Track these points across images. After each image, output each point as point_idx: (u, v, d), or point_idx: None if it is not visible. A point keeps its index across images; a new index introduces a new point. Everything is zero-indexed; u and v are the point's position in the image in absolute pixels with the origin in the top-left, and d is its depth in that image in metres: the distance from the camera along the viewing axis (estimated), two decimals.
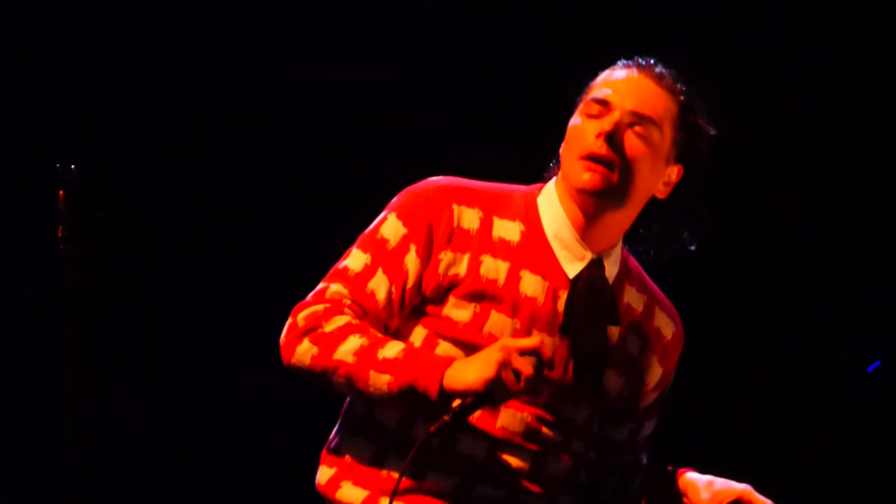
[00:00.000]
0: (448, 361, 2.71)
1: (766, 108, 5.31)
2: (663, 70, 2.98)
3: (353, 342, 2.77)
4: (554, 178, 2.97)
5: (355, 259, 2.88)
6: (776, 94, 5.34)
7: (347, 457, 2.91)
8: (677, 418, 3.42)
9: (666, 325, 3.06)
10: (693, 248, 3.00)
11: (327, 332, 2.79)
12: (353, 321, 2.80)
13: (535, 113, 5.04)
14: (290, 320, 2.86)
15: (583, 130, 2.90)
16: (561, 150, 2.96)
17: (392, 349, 2.75)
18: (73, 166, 3.15)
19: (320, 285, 2.90)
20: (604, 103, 2.91)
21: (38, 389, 5.10)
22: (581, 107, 2.95)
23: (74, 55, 5.26)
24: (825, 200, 5.35)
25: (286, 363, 2.85)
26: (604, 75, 2.99)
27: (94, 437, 4.98)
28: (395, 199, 2.94)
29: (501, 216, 2.90)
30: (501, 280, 2.86)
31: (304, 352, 2.81)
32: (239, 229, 5.45)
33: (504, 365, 2.65)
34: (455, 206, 2.89)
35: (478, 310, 2.84)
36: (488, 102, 5.41)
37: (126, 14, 5.30)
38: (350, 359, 2.76)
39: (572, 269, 2.90)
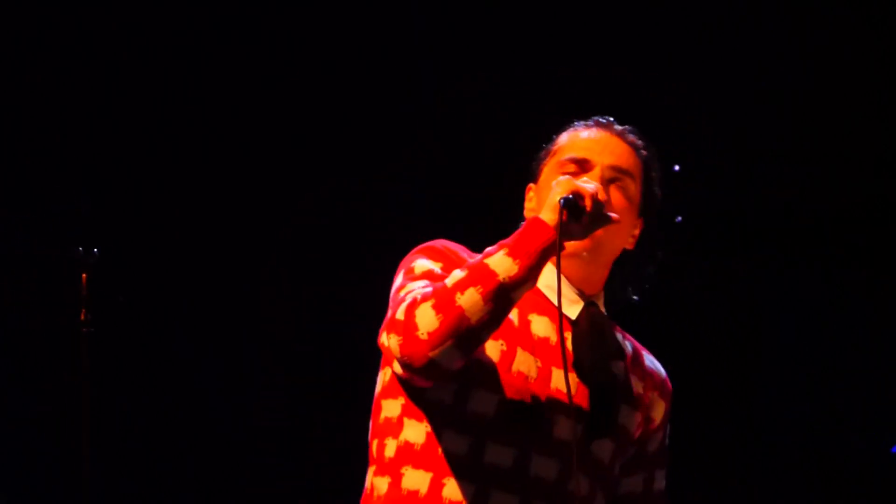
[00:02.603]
0: (535, 214, 2.78)
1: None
2: (623, 127, 3.03)
3: (454, 274, 2.71)
4: None
5: (410, 286, 2.81)
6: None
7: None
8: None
9: (655, 367, 3.09)
10: (637, 298, 3.04)
11: (425, 291, 2.71)
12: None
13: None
14: (396, 328, 2.70)
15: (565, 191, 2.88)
16: (532, 212, 2.98)
17: (485, 251, 2.73)
18: (95, 250, 3.14)
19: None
20: (581, 161, 2.94)
21: (58, 476, 5.10)
22: (552, 168, 2.97)
23: (96, 142, 5.31)
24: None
25: (426, 352, 2.66)
26: (567, 136, 3.01)
27: None
28: (408, 256, 2.91)
29: None
30: (516, 322, 2.87)
31: (427, 320, 2.66)
32: (257, 311, 5.49)
33: (575, 181, 2.75)
34: (465, 256, 2.90)
35: (504, 348, 2.84)
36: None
37: (148, 99, 5.36)
38: (462, 274, 2.68)
39: (572, 311, 2.92)
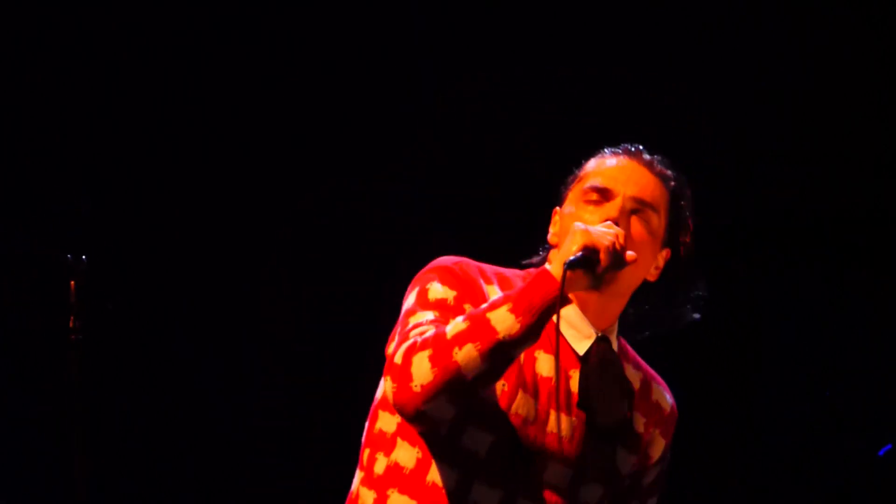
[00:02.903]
0: (542, 265, 2.74)
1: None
2: (652, 157, 2.98)
3: (455, 322, 2.69)
4: (547, 264, 2.93)
5: (420, 317, 2.79)
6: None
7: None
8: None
9: (663, 399, 3.04)
10: (679, 328, 3.00)
11: (426, 337, 2.69)
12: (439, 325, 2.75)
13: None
14: (392, 373, 2.70)
15: (584, 219, 2.87)
16: (556, 238, 2.94)
17: (490, 301, 2.71)
18: (83, 257, 3.13)
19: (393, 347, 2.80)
20: (604, 191, 2.90)
21: (48, 481, 5.08)
22: (576, 195, 2.94)
23: (85, 147, 5.29)
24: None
25: (418, 404, 2.66)
26: (594, 163, 2.98)
27: None
28: (424, 273, 2.87)
29: None
30: (521, 359, 2.84)
31: (422, 371, 2.65)
32: (257, 311, 5.48)
33: (592, 232, 2.72)
34: (481, 281, 2.86)
35: (505, 388, 2.82)
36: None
37: (147, 99, 5.35)
38: (463, 325, 2.66)
39: (581, 346, 2.89)
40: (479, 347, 2.63)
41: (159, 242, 5.40)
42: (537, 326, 2.66)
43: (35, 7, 5.23)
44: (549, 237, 2.97)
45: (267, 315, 5.50)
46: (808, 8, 5.28)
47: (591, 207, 2.89)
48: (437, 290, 2.81)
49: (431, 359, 2.64)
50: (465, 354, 2.63)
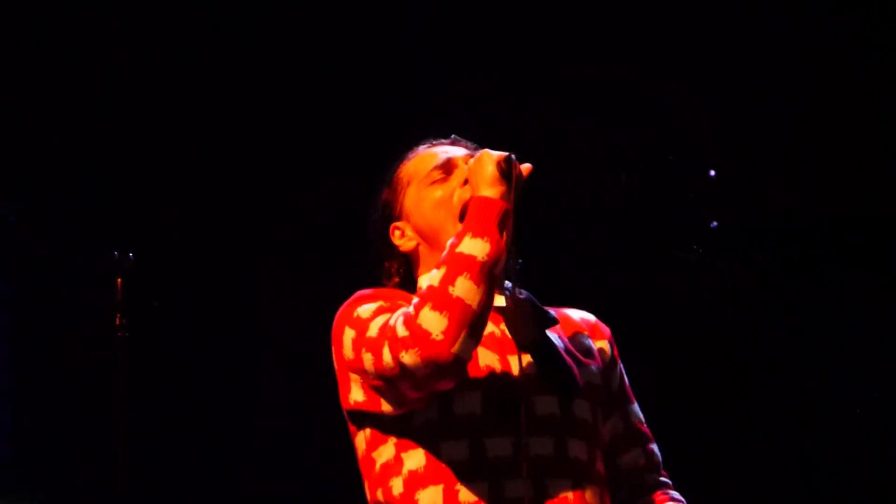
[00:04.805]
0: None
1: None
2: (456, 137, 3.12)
3: (431, 276, 2.75)
4: (409, 268, 3.04)
5: (378, 321, 2.83)
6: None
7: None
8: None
9: (586, 316, 3.13)
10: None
11: (415, 303, 2.73)
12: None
13: None
14: (405, 343, 2.71)
15: (446, 196, 2.98)
16: (410, 242, 3.02)
17: (448, 244, 2.77)
18: (130, 254, 3.12)
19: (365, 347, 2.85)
20: (445, 164, 3.01)
21: (94, 476, 5.11)
22: (417, 188, 3.02)
23: (96, 141, 5.32)
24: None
25: (450, 350, 2.68)
26: (413, 159, 3.08)
27: None
28: (345, 315, 2.92)
29: None
30: None
31: (435, 321, 2.68)
32: (257, 311, 5.48)
33: (487, 150, 2.84)
34: (401, 302, 2.91)
35: None
36: None
37: (147, 99, 5.37)
38: (442, 270, 2.72)
39: (499, 300, 2.97)
40: (469, 276, 2.70)
41: (159, 242, 5.39)
42: (502, 240, 2.75)
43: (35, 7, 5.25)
44: (402, 249, 3.04)
45: (267, 315, 5.50)
46: (807, 8, 5.30)
47: (445, 184, 2.99)
48: (366, 308, 2.87)
49: (435, 307, 2.69)
50: (462, 287, 2.69)
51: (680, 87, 5.38)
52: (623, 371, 3.14)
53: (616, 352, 3.13)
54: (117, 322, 3.10)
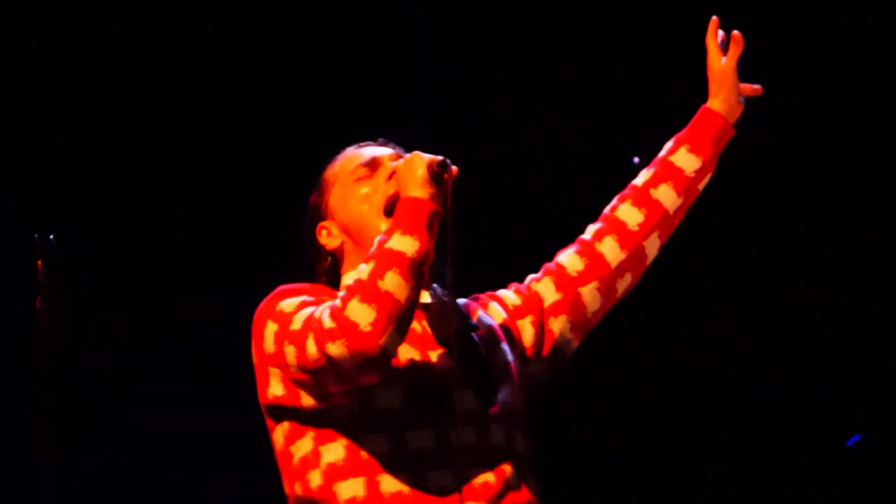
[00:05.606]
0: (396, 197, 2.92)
1: None
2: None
3: (359, 269, 2.79)
4: (332, 265, 3.10)
5: (301, 314, 2.87)
6: None
7: None
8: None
9: (496, 293, 3.18)
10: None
11: (342, 295, 2.77)
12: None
13: None
14: (331, 334, 2.74)
15: (370, 192, 3.04)
16: (336, 239, 3.07)
17: (377, 240, 2.82)
18: (51, 237, 3.10)
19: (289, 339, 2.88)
20: (371, 162, 3.08)
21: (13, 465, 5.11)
22: (343, 185, 3.09)
23: (57, 129, 5.29)
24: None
25: (377, 342, 2.72)
26: (341, 161, 3.16)
27: None
28: (267, 309, 2.97)
29: None
30: None
31: (363, 313, 2.72)
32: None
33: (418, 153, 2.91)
34: (325, 297, 2.95)
35: None
36: None
37: (146, 97, 5.37)
38: (371, 264, 2.76)
39: (425, 297, 3.02)
40: (398, 272, 2.75)
41: (159, 242, 5.39)
42: (430, 241, 2.79)
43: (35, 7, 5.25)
44: (330, 248, 3.10)
45: (191, 306, 5.47)
46: (808, 8, 5.31)
47: (370, 180, 3.05)
48: (290, 301, 2.92)
49: (364, 300, 2.73)
50: (391, 281, 2.74)
51: (680, 87, 5.37)
52: (514, 286, 3.18)
53: (501, 301, 3.15)
54: (38, 304, 3.08)
